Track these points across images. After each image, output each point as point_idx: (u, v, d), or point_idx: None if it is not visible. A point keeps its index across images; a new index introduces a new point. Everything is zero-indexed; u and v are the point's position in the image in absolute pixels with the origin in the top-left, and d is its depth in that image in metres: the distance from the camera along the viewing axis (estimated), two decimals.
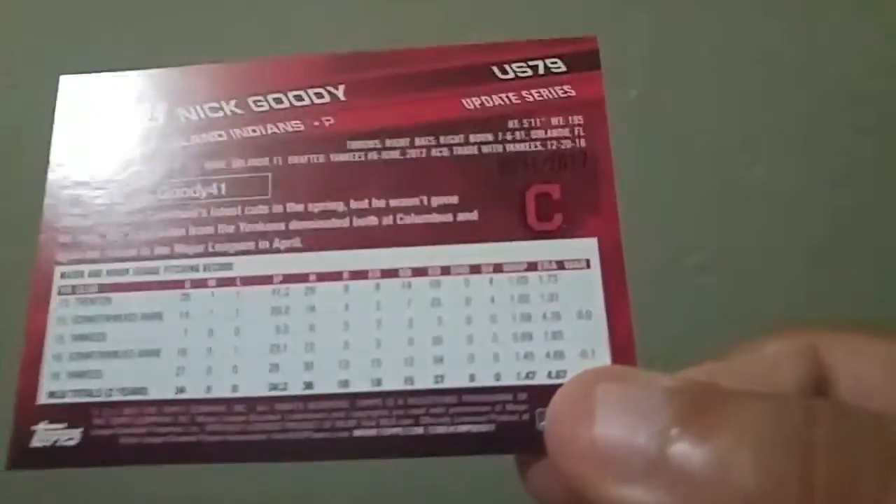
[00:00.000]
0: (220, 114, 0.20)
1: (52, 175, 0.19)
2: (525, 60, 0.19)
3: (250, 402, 0.17)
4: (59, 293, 0.19)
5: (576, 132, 0.19)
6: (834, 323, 0.18)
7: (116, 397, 0.18)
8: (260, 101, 0.20)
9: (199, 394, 0.18)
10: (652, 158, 0.36)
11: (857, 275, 0.38)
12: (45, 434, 0.17)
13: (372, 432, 0.17)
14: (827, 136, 0.39)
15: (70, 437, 0.17)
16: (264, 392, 0.17)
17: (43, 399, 0.18)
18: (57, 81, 0.20)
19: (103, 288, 0.18)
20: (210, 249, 0.19)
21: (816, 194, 0.38)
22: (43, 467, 0.17)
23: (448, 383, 0.17)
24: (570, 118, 0.19)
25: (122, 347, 0.18)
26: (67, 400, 0.18)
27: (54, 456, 0.17)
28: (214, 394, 0.18)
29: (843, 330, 0.18)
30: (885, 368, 0.16)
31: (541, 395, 0.17)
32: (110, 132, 0.20)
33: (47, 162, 0.20)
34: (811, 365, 0.17)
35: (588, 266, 0.18)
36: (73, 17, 0.41)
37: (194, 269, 0.18)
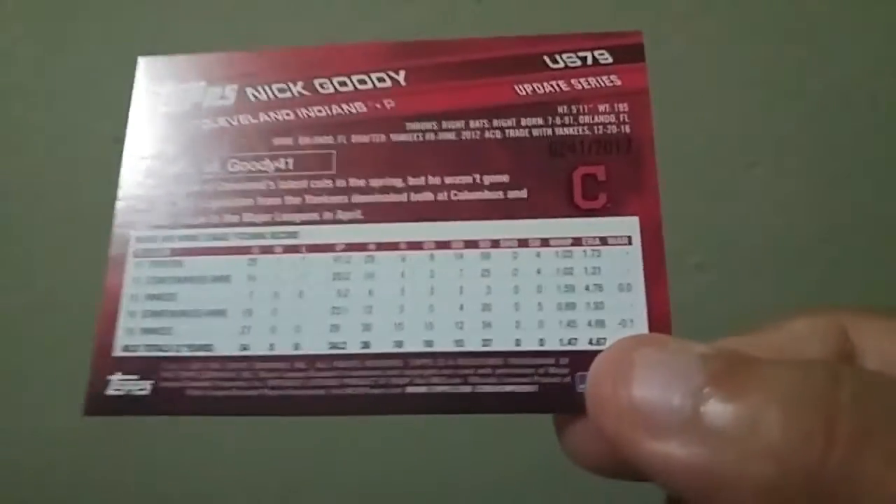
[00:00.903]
0: (288, 94, 0.21)
1: (129, 148, 0.21)
2: (574, 51, 0.21)
3: (311, 360, 0.19)
4: (135, 256, 0.20)
5: (621, 118, 0.20)
6: (860, 306, 0.19)
7: (184, 353, 0.19)
8: (325, 83, 0.21)
9: (263, 351, 0.19)
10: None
11: (857, 275, 0.38)
12: (120, 384, 0.19)
13: (423, 389, 0.18)
14: (827, 136, 0.39)
15: (142, 387, 0.19)
16: (324, 350, 0.19)
17: (118, 352, 0.19)
18: (135, 62, 0.22)
19: (175, 252, 0.20)
20: (277, 219, 0.20)
21: (816, 194, 0.39)
22: (116, 414, 0.19)
23: (495, 346, 0.18)
24: (616, 105, 0.20)
25: (191, 307, 0.19)
26: (140, 354, 0.19)
27: (127, 404, 0.19)
28: (277, 351, 0.19)
29: (870, 313, 0.18)
30: None
31: (582, 361, 0.18)
32: (183, 109, 0.21)
33: (124, 136, 0.21)
34: (838, 341, 0.18)
35: (630, 243, 0.19)
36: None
37: (261, 236, 0.20)
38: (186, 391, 0.19)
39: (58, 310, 0.42)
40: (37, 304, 0.43)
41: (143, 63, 0.22)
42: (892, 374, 0.17)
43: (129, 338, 0.19)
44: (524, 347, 0.18)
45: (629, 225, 0.19)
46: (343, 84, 0.21)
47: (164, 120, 0.21)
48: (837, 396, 0.14)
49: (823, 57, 0.40)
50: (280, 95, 0.21)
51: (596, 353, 0.18)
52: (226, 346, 0.19)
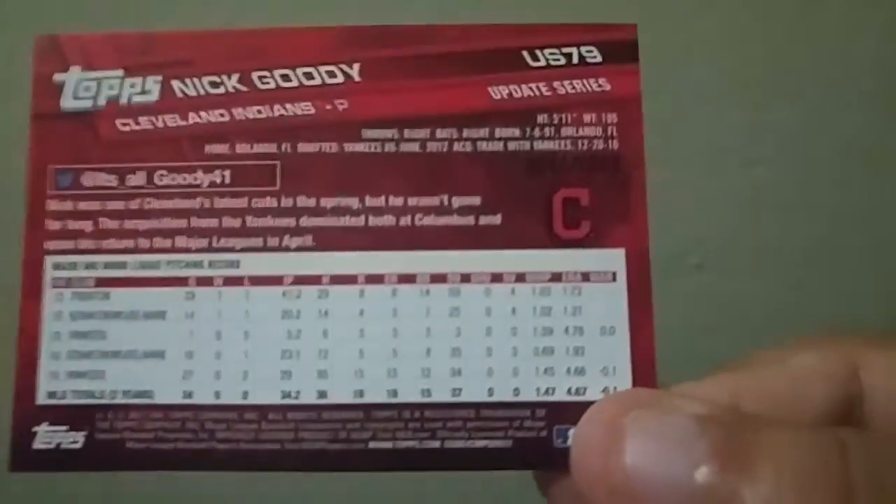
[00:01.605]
0: (222, 89, 0.18)
1: (33, 154, 0.18)
2: (558, 46, 0.18)
3: (262, 410, 0.17)
4: (53, 286, 0.17)
5: (609, 132, 0.18)
6: (873, 336, 0.18)
7: (121, 400, 0.17)
8: (266, 77, 0.18)
9: (208, 399, 0.17)
10: (651, 158, 0.35)
11: (857, 275, 0.38)
12: (48, 436, 0.17)
13: (387, 444, 0.17)
14: (827, 136, 0.38)
15: (73, 439, 0.17)
16: (276, 400, 0.17)
17: (42, 399, 0.17)
18: (31, 40, 0.18)
19: (100, 282, 0.17)
20: (215, 244, 0.17)
21: (816, 194, 0.38)
22: (46, 470, 0.17)
23: (466, 397, 0.17)
24: (603, 116, 0.18)
25: (125, 347, 0.17)
26: (69, 401, 0.17)
27: (58, 459, 0.17)
28: (224, 400, 0.17)
29: (879, 345, 0.17)
30: None
31: (560, 412, 0.17)
32: (96, 104, 0.18)
33: (25, 137, 0.18)
34: (843, 383, 0.17)
35: (614, 279, 0.17)
36: None
37: (198, 265, 0.17)
38: (126, 443, 0.17)
39: None
40: None
41: (40, 43, 0.18)
42: (894, 426, 0.16)
43: (53, 383, 0.17)
44: (497, 398, 0.17)
45: (614, 259, 0.17)
46: (286, 78, 0.18)
47: (72, 120, 0.18)
48: (851, 474, 0.13)
49: (823, 57, 0.38)
50: (212, 91, 0.18)
51: (576, 403, 0.17)
52: (167, 393, 0.17)
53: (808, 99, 0.38)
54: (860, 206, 0.38)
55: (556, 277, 0.17)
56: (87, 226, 0.18)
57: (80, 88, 0.18)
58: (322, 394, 0.17)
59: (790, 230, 0.38)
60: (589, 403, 0.16)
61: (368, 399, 0.17)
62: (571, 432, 0.16)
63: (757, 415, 0.15)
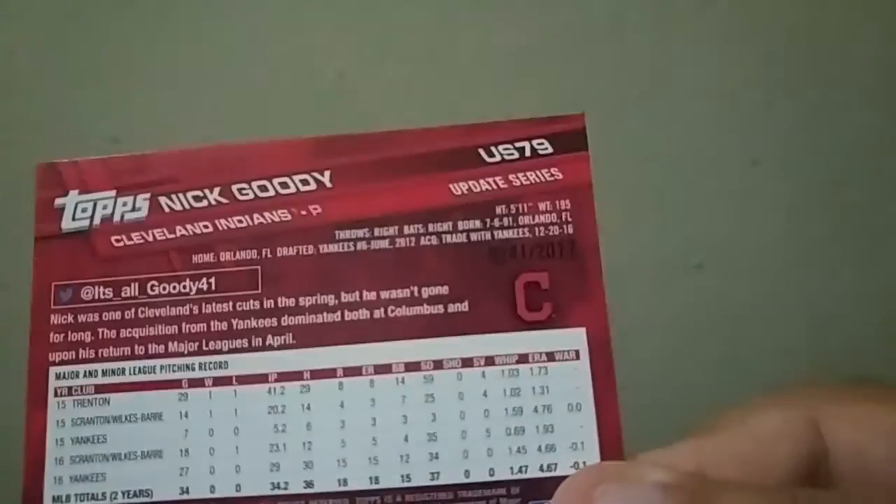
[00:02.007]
0: (205, 202, 0.19)
1: (37, 272, 0.19)
2: (512, 142, 0.19)
3: (254, 501, 0.18)
4: (56, 395, 0.19)
5: (563, 217, 0.19)
6: (833, 390, 0.18)
7: (121, 500, 0.18)
8: (244, 188, 0.19)
9: (204, 494, 0.18)
10: (651, 158, 0.36)
11: (857, 275, 0.38)
12: None
13: None
14: (827, 136, 0.39)
15: None
16: (266, 491, 0.18)
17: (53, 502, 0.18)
18: (33, 168, 0.20)
19: (100, 389, 0.19)
20: (204, 347, 0.19)
21: (817, 194, 0.38)
22: None
23: (443, 480, 0.18)
24: (557, 202, 0.19)
25: (124, 449, 0.18)
26: None
27: None
28: (219, 493, 0.18)
29: (844, 399, 0.18)
30: (888, 442, 0.17)
31: (533, 488, 0.18)
32: (92, 223, 0.19)
33: (30, 258, 0.19)
34: (809, 440, 0.17)
35: (577, 357, 0.18)
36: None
37: (190, 367, 0.19)
38: None
39: None
40: None
41: (41, 170, 0.20)
42: (868, 479, 0.17)
43: (58, 487, 0.18)
44: (473, 479, 0.18)
45: (575, 338, 0.18)
46: (263, 189, 0.19)
47: (72, 239, 0.19)
48: None
49: (824, 57, 0.39)
50: (196, 204, 0.19)
51: (548, 479, 0.17)
52: (165, 491, 0.18)
53: (808, 99, 0.38)
54: (860, 205, 0.38)
55: (523, 359, 0.18)
56: (86, 336, 0.19)
57: (77, 210, 0.19)
58: (309, 483, 0.18)
59: (790, 230, 0.38)
60: (560, 478, 0.17)
61: (352, 486, 0.18)
62: None
63: (718, 479, 0.16)
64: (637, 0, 0.38)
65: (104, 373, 0.19)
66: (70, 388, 0.19)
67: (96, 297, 0.19)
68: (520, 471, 0.18)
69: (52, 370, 0.19)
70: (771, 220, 0.39)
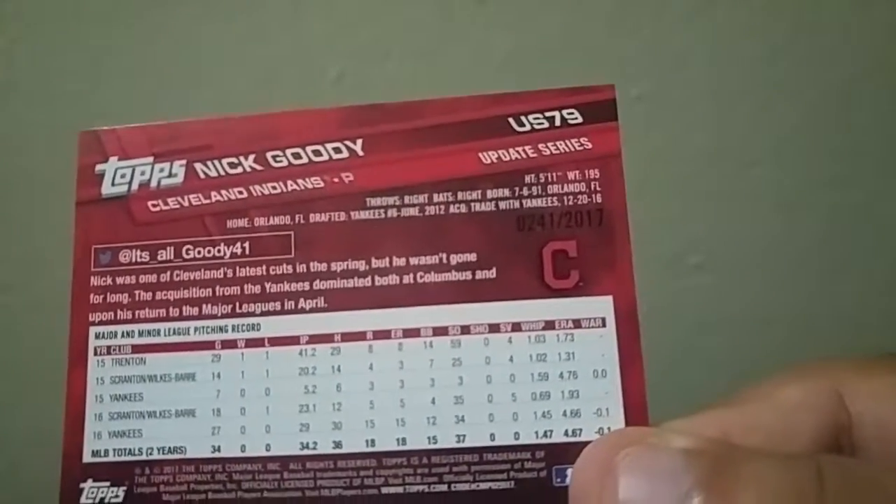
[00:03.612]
0: (240, 169, 0.20)
1: (78, 237, 0.20)
2: (541, 111, 0.19)
3: (283, 461, 0.18)
4: (95, 353, 0.19)
5: (592, 187, 0.19)
6: (856, 362, 0.18)
7: (156, 456, 0.19)
8: (279, 156, 0.20)
9: (235, 453, 0.18)
10: (651, 158, 0.36)
11: (857, 275, 0.38)
12: (92, 491, 0.19)
13: (398, 489, 0.18)
14: (827, 136, 0.38)
15: (115, 494, 0.19)
16: (296, 451, 0.18)
17: (87, 458, 0.19)
18: (75, 136, 0.20)
19: (137, 349, 0.19)
20: (238, 310, 0.19)
21: (816, 194, 0.38)
22: None
23: (469, 442, 0.18)
24: (586, 172, 0.19)
25: (159, 408, 0.19)
26: (110, 459, 0.19)
27: None
28: (249, 453, 0.18)
29: (866, 371, 0.18)
30: None
31: (558, 453, 0.18)
32: (130, 189, 0.20)
33: (72, 222, 0.20)
34: (830, 412, 0.17)
35: (603, 325, 0.18)
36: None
37: (223, 329, 0.19)
38: (162, 496, 0.19)
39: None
40: None
41: (83, 138, 0.20)
42: (891, 449, 0.17)
43: (97, 442, 0.19)
44: (499, 442, 0.18)
45: (602, 306, 0.18)
46: (297, 156, 0.20)
47: (111, 204, 0.20)
48: (825, 498, 0.14)
49: (823, 57, 0.38)
50: (231, 171, 0.20)
51: (572, 444, 0.18)
52: (198, 448, 0.19)
53: (809, 99, 0.38)
54: (860, 205, 0.38)
55: (550, 325, 0.18)
56: (124, 298, 0.19)
57: (117, 176, 0.20)
58: (337, 444, 0.18)
59: (790, 230, 0.38)
60: (585, 444, 0.17)
61: (379, 447, 0.18)
62: (569, 472, 0.17)
63: (742, 446, 0.16)
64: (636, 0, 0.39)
65: (140, 333, 0.19)
66: (108, 348, 0.19)
67: (134, 260, 0.20)
68: (545, 435, 0.18)
69: (92, 330, 0.19)
70: (771, 220, 0.39)
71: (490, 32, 0.37)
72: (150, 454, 0.19)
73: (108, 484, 0.19)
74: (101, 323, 0.19)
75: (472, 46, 0.37)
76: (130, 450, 0.19)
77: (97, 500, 0.19)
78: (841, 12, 0.38)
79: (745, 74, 0.39)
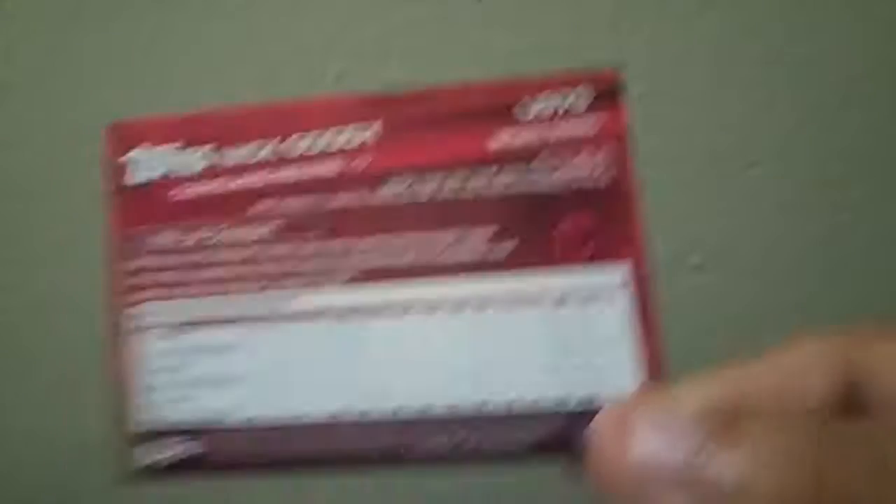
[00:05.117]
0: (262, 155, 0.21)
1: (111, 223, 0.21)
2: (548, 96, 0.20)
3: (313, 429, 0.20)
4: (139, 330, 0.21)
5: (602, 166, 0.20)
6: (864, 329, 0.19)
7: (199, 425, 0.20)
8: (298, 142, 0.21)
9: (270, 422, 0.20)
10: (651, 158, 0.36)
11: (858, 275, 0.39)
12: (145, 454, 0.20)
13: (443, 440, 0.19)
14: (827, 136, 0.39)
15: (167, 457, 0.20)
16: (325, 420, 0.20)
17: (140, 424, 0.20)
18: (102, 127, 0.21)
19: (177, 325, 0.21)
20: (269, 286, 0.20)
21: (816, 195, 0.39)
22: (147, 482, 0.20)
23: (489, 410, 0.19)
24: (595, 154, 0.20)
25: (205, 377, 0.20)
26: (162, 425, 0.20)
27: (157, 474, 0.20)
28: (283, 422, 0.20)
29: (875, 337, 0.19)
30: None
31: (576, 421, 0.19)
32: (158, 176, 0.21)
33: (104, 210, 0.21)
34: (841, 374, 0.18)
35: (618, 294, 0.19)
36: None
37: (255, 306, 0.20)
38: (209, 457, 0.20)
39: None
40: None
41: (110, 128, 0.21)
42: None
43: (143, 412, 0.20)
44: (518, 411, 0.19)
45: (617, 276, 0.19)
46: (316, 143, 0.20)
47: (141, 190, 0.21)
48: (823, 454, 0.15)
49: (823, 57, 0.38)
50: (254, 156, 0.21)
51: (589, 412, 0.19)
52: (237, 418, 0.20)
53: (808, 99, 0.38)
54: (860, 205, 0.38)
55: (566, 295, 0.20)
56: (160, 277, 0.21)
57: (144, 164, 0.21)
58: (364, 413, 0.20)
59: (790, 230, 0.38)
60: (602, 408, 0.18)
61: (403, 416, 0.20)
62: (587, 434, 0.19)
63: (752, 406, 0.17)
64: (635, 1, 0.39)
65: (180, 310, 0.21)
66: (151, 323, 0.21)
67: (165, 243, 0.21)
68: (563, 403, 0.19)
69: (135, 308, 0.21)
70: (771, 220, 0.39)
71: (490, 32, 0.38)
72: (207, 422, 0.20)
73: (159, 448, 0.20)
74: (142, 301, 0.21)
75: (471, 46, 0.37)
76: (174, 419, 0.20)
77: (151, 461, 0.20)
78: (841, 12, 0.39)
79: (745, 74, 0.39)
